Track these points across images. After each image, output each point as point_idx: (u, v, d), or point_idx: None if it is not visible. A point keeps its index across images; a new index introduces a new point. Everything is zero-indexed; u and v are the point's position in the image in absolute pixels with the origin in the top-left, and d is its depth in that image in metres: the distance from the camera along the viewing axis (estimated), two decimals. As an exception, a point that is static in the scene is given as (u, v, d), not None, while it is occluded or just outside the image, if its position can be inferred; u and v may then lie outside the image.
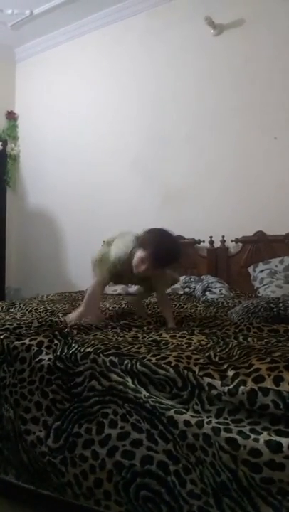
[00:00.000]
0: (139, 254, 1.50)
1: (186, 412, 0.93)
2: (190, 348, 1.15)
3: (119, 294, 2.76)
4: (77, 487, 1.03)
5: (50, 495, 1.11)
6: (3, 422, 1.22)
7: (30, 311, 1.86)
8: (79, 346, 1.18)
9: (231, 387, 0.90)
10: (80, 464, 1.03)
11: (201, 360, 1.02)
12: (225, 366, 0.98)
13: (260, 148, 3.01)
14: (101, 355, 1.11)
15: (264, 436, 0.82)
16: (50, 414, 1.12)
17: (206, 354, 1.08)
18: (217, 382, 0.93)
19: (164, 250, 1.50)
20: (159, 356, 1.05)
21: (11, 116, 4.42)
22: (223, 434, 0.85)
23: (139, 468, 0.95)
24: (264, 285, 2.51)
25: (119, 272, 1.58)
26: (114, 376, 1.05)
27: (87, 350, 1.15)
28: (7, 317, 1.67)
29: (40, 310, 1.86)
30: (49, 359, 1.18)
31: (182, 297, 2.56)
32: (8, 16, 3.75)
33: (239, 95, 3.11)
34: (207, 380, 0.94)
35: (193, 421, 0.90)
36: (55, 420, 1.11)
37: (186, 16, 3.34)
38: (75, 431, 1.06)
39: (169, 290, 2.40)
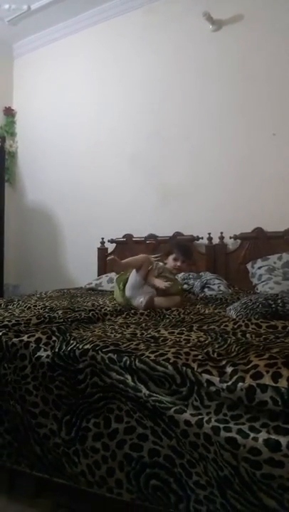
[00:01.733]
0: (170, 258, 2.12)
1: (186, 410, 0.94)
2: (188, 345, 1.15)
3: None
4: (90, 476, 1.06)
5: (65, 483, 1.13)
6: (10, 416, 1.24)
7: (29, 307, 1.86)
8: (77, 343, 1.18)
9: (230, 383, 0.90)
10: (92, 455, 1.06)
11: (200, 357, 1.02)
12: (223, 362, 0.98)
13: (258, 144, 3.01)
14: (100, 352, 1.11)
15: (263, 435, 0.82)
16: (59, 408, 1.14)
17: (205, 350, 1.08)
18: (215, 379, 0.93)
19: (184, 244, 2.26)
20: (157, 353, 1.06)
21: (9, 112, 4.40)
22: (223, 433, 0.86)
23: (148, 460, 0.98)
24: (262, 281, 2.51)
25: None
26: (114, 374, 1.06)
27: (86, 347, 1.15)
28: (6, 314, 1.67)
29: (39, 307, 1.86)
30: (47, 356, 1.18)
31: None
32: (5, 11, 3.73)
33: (237, 91, 3.10)
34: (206, 376, 0.94)
35: (193, 420, 0.91)
36: (65, 414, 1.13)
37: (184, 12, 3.33)
38: (84, 425, 1.09)
39: None
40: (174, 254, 2.12)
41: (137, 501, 1.00)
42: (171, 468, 0.95)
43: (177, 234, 3.25)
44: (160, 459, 0.97)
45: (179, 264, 2.10)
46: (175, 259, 2.11)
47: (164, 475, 0.96)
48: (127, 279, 2.05)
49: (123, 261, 2.02)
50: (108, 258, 2.10)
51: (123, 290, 2.04)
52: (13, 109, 4.43)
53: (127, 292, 2.01)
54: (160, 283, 1.97)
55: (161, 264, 2.13)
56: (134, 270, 2.02)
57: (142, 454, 0.99)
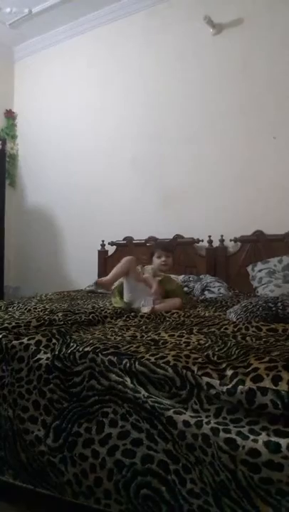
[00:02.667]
0: (154, 258, 2.21)
1: (185, 412, 0.93)
2: (188, 348, 1.15)
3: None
4: (76, 486, 1.03)
5: (49, 494, 1.10)
6: (1, 421, 1.22)
7: (29, 310, 1.86)
8: (77, 345, 1.18)
9: (230, 386, 0.90)
10: (80, 463, 1.03)
11: (200, 360, 1.02)
12: (223, 365, 0.98)
13: (259, 147, 3.01)
14: (100, 354, 1.10)
15: (263, 437, 0.82)
16: (49, 413, 1.12)
17: (205, 353, 1.07)
18: (216, 382, 0.92)
19: (162, 242, 2.44)
20: (157, 355, 1.05)
21: (10, 114, 4.42)
22: (222, 434, 0.85)
23: (140, 467, 0.95)
24: (263, 284, 2.51)
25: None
26: (113, 376, 1.05)
27: (86, 349, 1.14)
28: (6, 316, 1.67)
29: (39, 309, 1.86)
30: (47, 358, 1.18)
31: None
32: (6, 14, 3.74)
33: (238, 95, 3.10)
34: (206, 379, 0.94)
35: (192, 421, 0.90)
36: (54, 419, 1.11)
37: (185, 15, 3.34)
38: (75, 430, 1.06)
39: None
40: (156, 253, 2.23)
41: None
42: (165, 475, 0.92)
43: (177, 236, 3.25)
44: (153, 466, 0.94)
45: (163, 259, 2.19)
46: (159, 257, 2.21)
47: (157, 484, 0.93)
48: (122, 285, 2.05)
49: (108, 276, 2.01)
50: (95, 283, 2.21)
51: (121, 298, 2.04)
52: (13, 112, 4.44)
53: (126, 298, 2.01)
54: (152, 280, 2.00)
55: (150, 266, 2.18)
56: (124, 278, 2.02)
57: (134, 460, 0.96)
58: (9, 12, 3.70)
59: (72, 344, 1.20)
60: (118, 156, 3.70)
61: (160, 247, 2.32)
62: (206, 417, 0.90)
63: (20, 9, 3.69)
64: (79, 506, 1.05)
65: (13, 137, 4.43)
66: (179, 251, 3.19)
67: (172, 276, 2.34)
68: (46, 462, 1.09)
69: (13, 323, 1.42)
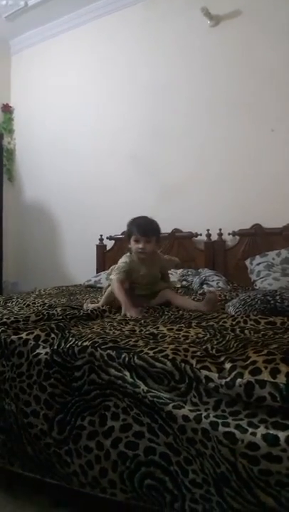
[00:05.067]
0: (132, 241, 1.84)
1: (184, 405, 0.94)
2: (187, 341, 1.15)
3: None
4: (83, 476, 1.05)
5: (57, 484, 1.13)
6: (5, 415, 1.23)
7: (28, 305, 1.86)
8: (76, 340, 1.18)
9: (228, 379, 0.90)
10: (85, 455, 1.05)
11: (198, 353, 1.02)
12: (222, 359, 0.98)
13: (257, 140, 3.00)
14: (98, 348, 1.11)
15: (261, 430, 0.83)
16: (50, 407, 1.13)
17: (203, 347, 1.08)
18: (214, 375, 0.93)
19: (140, 219, 1.88)
20: (156, 349, 1.06)
21: (7, 109, 4.39)
22: (221, 428, 0.86)
23: (143, 458, 0.97)
24: (261, 278, 2.51)
25: (129, 271, 1.85)
26: (112, 371, 1.06)
27: (85, 343, 1.15)
28: (4, 311, 1.67)
29: (38, 304, 1.86)
30: (46, 353, 1.18)
31: (180, 291, 2.57)
32: (2, 6, 3.70)
33: (236, 87, 3.09)
34: (204, 372, 0.94)
35: (191, 416, 0.91)
36: (57, 413, 1.12)
37: (183, 7, 3.31)
38: (79, 423, 1.08)
39: (176, 278, 2.72)
40: (133, 236, 1.84)
41: (132, 501, 0.99)
42: (167, 466, 0.94)
43: (176, 230, 3.24)
44: (156, 457, 0.96)
45: (140, 246, 1.80)
46: (136, 241, 1.82)
47: (160, 474, 0.95)
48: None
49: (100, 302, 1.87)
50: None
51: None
52: (10, 106, 4.41)
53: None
54: (125, 305, 1.70)
55: (122, 259, 1.88)
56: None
57: (137, 452, 0.98)
58: (5, 4, 3.67)
59: (71, 339, 1.20)
60: (117, 150, 3.68)
61: (140, 228, 1.83)
62: (205, 410, 0.91)
63: (16, 1, 3.65)
64: (83, 495, 1.07)
65: (10, 132, 4.40)
66: (177, 245, 3.19)
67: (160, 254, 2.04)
68: (52, 454, 1.11)
69: (12, 318, 1.42)
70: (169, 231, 3.23)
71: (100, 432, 1.04)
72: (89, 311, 1.66)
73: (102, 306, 1.80)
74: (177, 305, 1.84)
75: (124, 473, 0.99)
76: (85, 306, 1.84)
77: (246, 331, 1.26)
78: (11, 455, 1.22)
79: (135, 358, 1.04)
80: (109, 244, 3.59)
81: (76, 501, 1.16)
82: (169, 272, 2.13)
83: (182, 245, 3.19)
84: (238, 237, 3.03)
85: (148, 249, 1.82)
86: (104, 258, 3.55)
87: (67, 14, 3.88)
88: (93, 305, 1.86)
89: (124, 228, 1.85)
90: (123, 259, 1.89)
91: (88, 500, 1.09)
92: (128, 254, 1.91)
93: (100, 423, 1.05)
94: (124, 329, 1.34)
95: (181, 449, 0.93)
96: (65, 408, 1.12)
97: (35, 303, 1.89)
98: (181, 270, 2.86)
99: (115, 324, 1.43)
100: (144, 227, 1.83)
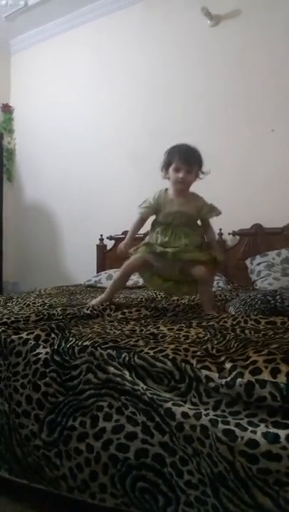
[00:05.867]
0: (170, 170, 1.65)
1: (184, 404, 0.94)
2: (187, 341, 1.15)
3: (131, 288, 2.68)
4: (72, 480, 1.03)
5: (44, 489, 1.10)
6: None
7: (28, 305, 1.86)
8: (76, 340, 1.18)
9: (229, 379, 0.90)
10: (75, 457, 1.03)
11: (199, 353, 1.02)
12: (222, 359, 0.98)
13: (257, 140, 3.00)
14: (98, 348, 1.11)
15: (261, 428, 0.82)
16: (42, 407, 1.12)
17: (204, 347, 1.08)
18: (214, 375, 0.93)
19: (183, 146, 1.67)
20: (156, 349, 1.05)
21: (7, 109, 4.39)
22: (221, 425, 0.86)
23: (134, 462, 0.95)
24: (261, 278, 2.51)
25: (156, 207, 1.68)
26: (111, 369, 1.06)
27: (85, 343, 1.15)
28: (5, 311, 1.67)
29: (38, 304, 1.86)
30: (46, 353, 1.18)
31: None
32: (2, 6, 3.70)
33: (236, 87, 3.09)
34: (205, 372, 0.94)
35: (191, 412, 0.91)
36: (48, 413, 1.11)
37: (183, 7, 3.31)
38: (70, 424, 1.06)
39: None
40: (174, 164, 1.65)
41: (122, 507, 0.96)
42: (160, 468, 0.93)
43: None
44: (148, 460, 0.94)
45: (181, 175, 1.64)
46: (177, 170, 1.65)
47: (152, 476, 0.93)
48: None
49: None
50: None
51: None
52: (10, 106, 4.41)
53: None
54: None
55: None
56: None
57: (127, 455, 0.96)
58: (5, 4, 3.66)
59: (71, 338, 1.20)
60: (117, 149, 3.68)
61: (182, 156, 1.64)
62: (205, 409, 0.91)
63: (16, 1, 3.65)
64: (74, 502, 1.05)
65: (10, 131, 4.40)
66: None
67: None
68: (41, 456, 1.09)
69: (12, 318, 1.42)
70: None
71: (91, 434, 1.02)
72: (90, 310, 1.61)
73: (105, 303, 1.68)
74: (201, 296, 1.67)
75: (116, 476, 0.97)
76: (89, 304, 1.74)
77: (247, 331, 1.26)
78: (0, 458, 1.20)
79: (135, 357, 1.04)
80: (110, 244, 3.59)
81: (65, 506, 1.12)
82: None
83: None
84: (238, 237, 3.03)
85: (189, 179, 1.66)
86: (105, 258, 3.55)
87: (67, 14, 3.88)
88: (97, 299, 1.75)
89: (124, 228, 1.79)
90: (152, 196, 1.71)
91: (77, 506, 1.06)
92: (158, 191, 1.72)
93: (92, 424, 1.03)
94: (124, 329, 1.34)
95: (177, 449, 0.92)
96: (56, 408, 1.10)
97: (35, 303, 1.89)
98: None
99: (116, 324, 1.43)
100: (187, 155, 1.65)
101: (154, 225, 1.73)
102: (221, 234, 3.04)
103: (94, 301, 1.74)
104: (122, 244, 1.74)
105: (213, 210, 1.80)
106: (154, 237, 1.68)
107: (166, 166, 1.69)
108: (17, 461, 1.15)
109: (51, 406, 1.11)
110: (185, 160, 1.62)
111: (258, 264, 2.65)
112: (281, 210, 2.84)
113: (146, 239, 1.71)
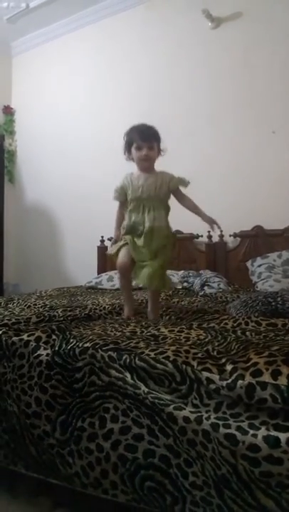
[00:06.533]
0: (133, 149, 1.74)
1: (185, 407, 0.94)
2: (188, 343, 1.15)
3: (118, 289, 2.75)
4: (84, 477, 1.06)
5: (59, 484, 1.13)
6: (7, 416, 1.23)
7: (29, 306, 1.86)
8: (77, 341, 1.18)
9: (230, 381, 0.90)
10: (86, 456, 1.05)
11: (200, 355, 1.02)
12: (223, 360, 0.98)
13: (258, 142, 3.00)
14: (99, 350, 1.11)
15: (262, 432, 0.82)
16: (52, 408, 1.13)
17: (205, 348, 1.08)
18: (215, 377, 0.93)
19: (139, 126, 1.76)
20: (157, 351, 1.05)
21: (8, 110, 4.40)
22: (222, 430, 0.86)
23: (142, 461, 0.97)
24: (262, 279, 2.51)
25: (123, 187, 1.82)
26: (113, 372, 1.06)
27: (86, 345, 1.15)
28: (6, 312, 1.67)
29: (39, 305, 1.86)
30: (47, 354, 1.18)
31: (180, 292, 2.57)
32: (3, 9, 3.72)
33: (237, 89, 3.09)
34: (205, 374, 0.94)
35: (192, 417, 0.91)
36: (60, 414, 1.12)
37: (184, 9, 3.32)
38: (79, 425, 1.08)
39: (177, 280, 2.66)
40: (135, 143, 1.73)
41: (133, 503, 0.99)
42: (167, 469, 0.94)
43: (177, 232, 3.24)
44: (155, 460, 0.96)
45: (144, 152, 1.72)
46: (139, 148, 1.72)
47: (159, 477, 0.95)
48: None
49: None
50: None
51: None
52: (12, 108, 4.43)
53: None
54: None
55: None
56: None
57: (136, 455, 0.98)
58: (6, 7, 3.68)
59: (72, 340, 1.20)
60: (117, 151, 3.66)
61: (139, 135, 1.73)
62: (206, 412, 0.91)
63: (18, 4, 3.67)
64: (84, 497, 1.07)
65: (12, 133, 4.41)
66: (178, 246, 3.18)
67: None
68: (56, 454, 1.11)
69: (13, 320, 1.42)
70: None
71: (100, 434, 1.04)
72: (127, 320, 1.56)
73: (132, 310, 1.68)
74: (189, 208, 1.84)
75: (125, 474, 0.99)
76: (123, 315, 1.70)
77: (247, 333, 1.26)
78: (15, 455, 1.23)
79: (136, 359, 1.04)
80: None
81: (77, 503, 1.16)
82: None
83: (183, 247, 3.19)
84: (239, 239, 3.03)
85: (152, 155, 1.73)
86: (105, 259, 3.55)
87: (68, 16, 3.90)
88: (125, 311, 1.71)
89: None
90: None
91: (89, 502, 1.09)
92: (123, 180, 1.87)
93: (100, 425, 1.05)
94: (125, 331, 1.34)
95: (182, 451, 0.93)
96: (66, 409, 1.12)
97: (36, 304, 1.89)
98: (182, 272, 2.86)
99: (117, 325, 1.43)
100: (146, 133, 1.73)
101: (127, 206, 1.82)
102: (222, 236, 3.04)
103: (126, 313, 1.70)
104: (114, 237, 1.87)
105: (182, 180, 1.90)
106: (127, 218, 1.79)
107: (128, 147, 1.77)
108: (32, 458, 1.18)
109: (61, 407, 1.13)
110: (145, 137, 1.70)
111: (259, 265, 2.65)
112: (282, 212, 2.84)
113: (124, 224, 1.78)
